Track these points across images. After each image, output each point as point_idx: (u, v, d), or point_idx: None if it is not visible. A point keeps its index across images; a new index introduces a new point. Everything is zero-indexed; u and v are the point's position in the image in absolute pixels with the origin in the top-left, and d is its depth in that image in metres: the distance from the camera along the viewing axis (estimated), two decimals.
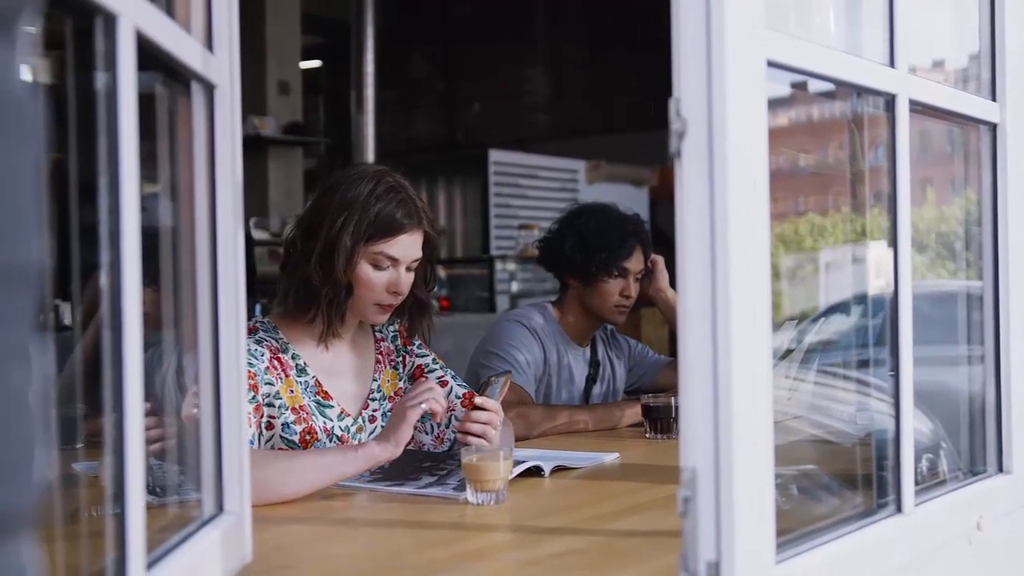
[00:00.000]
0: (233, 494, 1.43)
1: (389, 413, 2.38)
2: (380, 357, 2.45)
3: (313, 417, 2.27)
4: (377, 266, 2.26)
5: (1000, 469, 1.88)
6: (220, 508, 1.41)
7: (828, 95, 1.78)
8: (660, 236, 3.79)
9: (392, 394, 2.44)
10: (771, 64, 1.29)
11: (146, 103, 1.11)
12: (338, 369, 2.37)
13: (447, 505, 1.95)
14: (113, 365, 1.03)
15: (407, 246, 2.28)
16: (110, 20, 1.02)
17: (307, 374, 2.30)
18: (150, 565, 1.12)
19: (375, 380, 2.42)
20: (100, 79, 1.05)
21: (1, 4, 0.57)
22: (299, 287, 2.28)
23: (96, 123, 1.05)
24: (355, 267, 2.25)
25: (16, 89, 0.58)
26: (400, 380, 2.47)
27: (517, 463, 2.11)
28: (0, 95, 0.56)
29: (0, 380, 0.56)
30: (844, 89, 1.66)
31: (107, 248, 1.04)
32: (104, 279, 1.04)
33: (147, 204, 1.14)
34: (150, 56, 1.14)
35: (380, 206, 2.24)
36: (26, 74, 0.60)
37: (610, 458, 2.44)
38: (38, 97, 0.60)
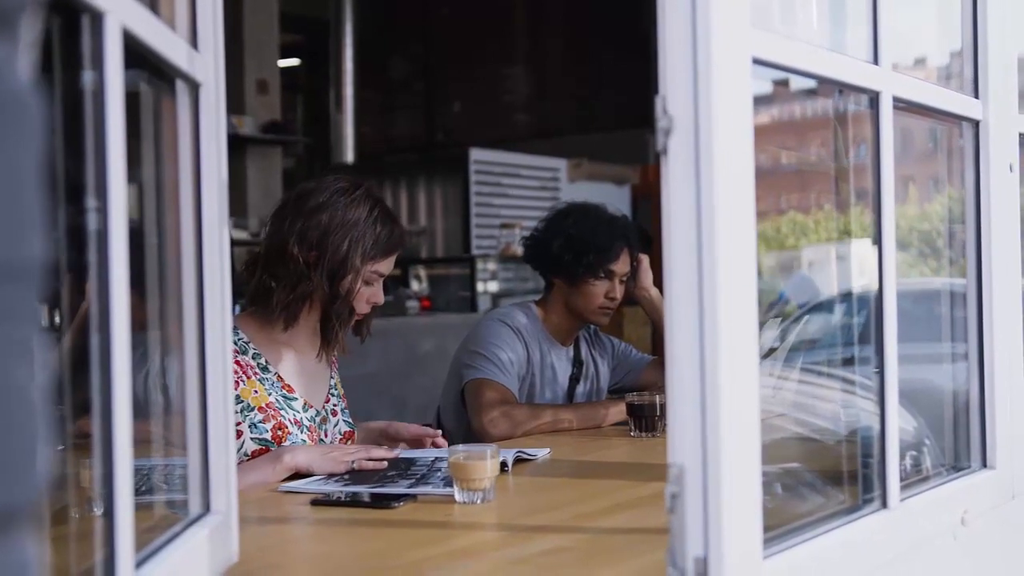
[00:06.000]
0: (220, 494, 1.42)
1: (345, 409, 2.56)
2: (333, 359, 2.58)
3: (282, 412, 2.35)
4: (367, 282, 2.40)
5: (984, 465, 1.89)
6: (207, 508, 1.41)
7: (810, 92, 1.78)
8: (642, 235, 3.78)
9: (342, 394, 2.59)
10: (756, 61, 1.29)
11: (129, 101, 1.10)
12: (299, 367, 2.46)
13: (434, 504, 1.95)
14: (101, 365, 1.03)
15: (393, 263, 2.46)
16: (97, 18, 1.02)
17: (270, 371, 2.38)
18: (138, 564, 1.11)
19: (332, 378, 2.56)
20: (86, 77, 1.04)
21: (3, 3, 0.57)
22: (301, 300, 2.35)
23: (82, 121, 1.05)
24: (360, 287, 2.37)
25: (19, 88, 0.58)
26: (340, 386, 2.62)
27: None
28: (4, 93, 0.56)
29: (6, 375, 0.56)
30: (826, 86, 1.66)
31: (94, 249, 1.04)
32: (91, 280, 1.04)
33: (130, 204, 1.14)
34: (134, 54, 1.14)
35: (380, 229, 2.38)
36: (27, 73, 0.60)
37: (542, 453, 2.46)
38: (39, 95, 0.60)
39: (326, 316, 2.39)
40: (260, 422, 2.30)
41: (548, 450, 2.49)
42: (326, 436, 2.45)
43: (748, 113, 1.26)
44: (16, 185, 0.57)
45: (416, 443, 2.50)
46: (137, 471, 1.20)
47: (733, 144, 1.23)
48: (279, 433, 2.32)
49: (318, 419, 2.44)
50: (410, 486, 2.04)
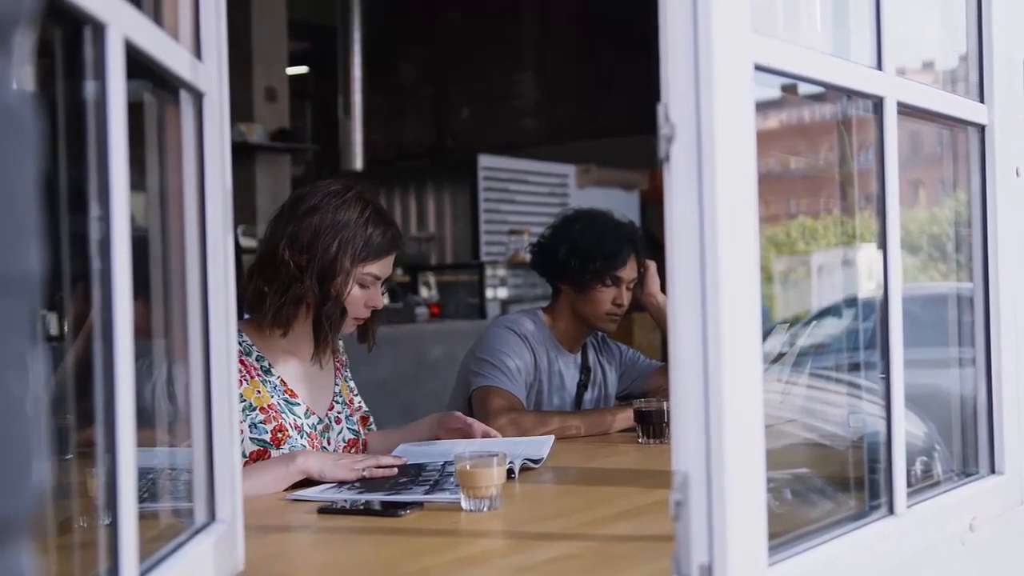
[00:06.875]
0: (225, 503, 1.42)
1: (350, 417, 2.54)
2: (338, 365, 2.59)
3: (283, 415, 2.36)
4: (362, 285, 2.40)
5: (992, 470, 1.88)
6: (212, 517, 1.41)
7: (818, 98, 1.78)
8: (650, 240, 3.76)
9: (347, 400, 2.57)
10: (759, 68, 1.29)
11: (134, 111, 1.11)
12: (303, 374, 2.46)
13: (440, 512, 1.94)
14: (104, 375, 1.03)
15: (389, 266, 2.45)
16: (99, 29, 1.02)
17: (273, 375, 2.39)
18: (143, 574, 1.11)
19: (336, 385, 2.55)
20: (89, 87, 1.05)
21: None
22: (293, 303, 2.35)
23: (85, 131, 1.05)
24: (351, 288, 2.36)
25: (13, 99, 0.58)
26: (350, 391, 2.61)
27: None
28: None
29: (1, 388, 0.56)
30: (834, 92, 1.66)
31: (97, 257, 1.04)
32: (94, 289, 1.04)
33: (135, 213, 1.14)
34: (138, 64, 1.14)
35: (371, 230, 2.38)
36: (23, 84, 0.60)
37: (547, 444, 2.49)
38: (34, 107, 0.60)
39: (318, 319, 2.39)
40: (261, 423, 2.31)
41: (552, 437, 2.53)
42: (329, 444, 2.45)
43: (750, 119, 1.26)
44: (12, 198, 0.57)
45: (463, 434, 2.54)
46: (142, 476, 1.20)
47: (735, 150, 1.23)
48: (279, 435, 2.32)
49: (320, 427, 2.44)
50: (425, 493, 2.04)
